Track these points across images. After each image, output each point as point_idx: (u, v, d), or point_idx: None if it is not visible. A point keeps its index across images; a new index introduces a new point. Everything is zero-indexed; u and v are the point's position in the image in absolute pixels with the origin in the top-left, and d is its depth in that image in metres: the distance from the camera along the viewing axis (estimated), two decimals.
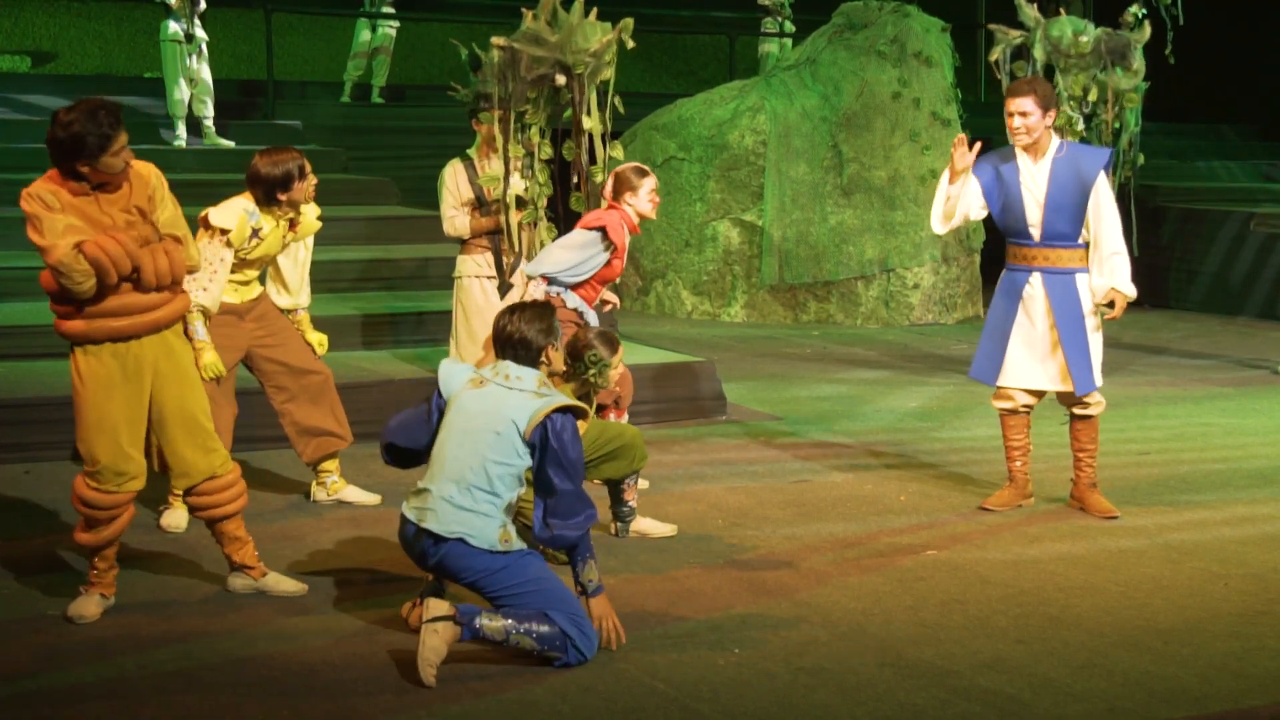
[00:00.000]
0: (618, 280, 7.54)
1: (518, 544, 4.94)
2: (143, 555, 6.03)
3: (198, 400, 5.45)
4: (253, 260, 6.47)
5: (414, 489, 5.05)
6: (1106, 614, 5.50)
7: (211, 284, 6.24)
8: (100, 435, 5.22)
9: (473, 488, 4.89)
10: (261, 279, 6.77)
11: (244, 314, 6.57)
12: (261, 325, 6.62)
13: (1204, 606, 5.61)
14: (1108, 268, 6.69)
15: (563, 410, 4.92)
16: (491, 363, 5.14)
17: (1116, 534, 6.58)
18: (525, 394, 4.95)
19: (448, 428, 5.01)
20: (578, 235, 6.94)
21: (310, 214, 6.75)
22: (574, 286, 6.92)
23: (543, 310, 5.14)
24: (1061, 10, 10.19)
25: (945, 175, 6.90)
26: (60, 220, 5.02)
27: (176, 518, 6.42)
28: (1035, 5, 10.11)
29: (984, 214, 6.96)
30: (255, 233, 6.38)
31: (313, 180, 6.55)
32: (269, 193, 6.38)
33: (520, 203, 7.62)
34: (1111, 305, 6.74)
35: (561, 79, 7.36)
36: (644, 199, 6.97)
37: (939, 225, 6.98)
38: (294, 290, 6.95)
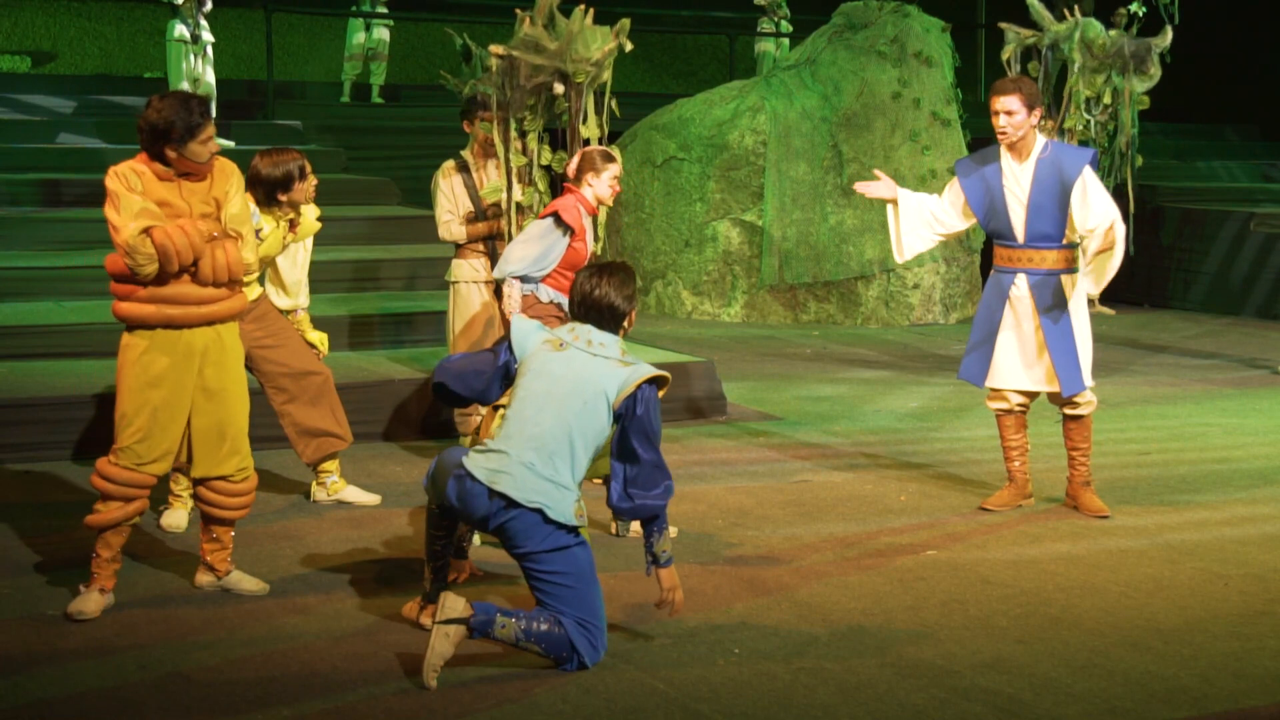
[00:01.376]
0: None
1: (585, 520, 4.92)
2: (143, 555, 6.03)
3: (239, 398, 5.50)
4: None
5: (481, 446, 4.95)
6: (1107, 614, 5.50)
7: None
8: (132, 416, 5.29)
9: (555, 457, 4.84)
10: (261, 280, 6.77)
11: (244, 315, 6.57)
12: (261, 326, 6.62)
13: (1204, 607, 5.61)
14: (1089, 255, 6.69)
15: (650, 380, 4.92)
16: (569, 324, 5.10)
17: (1117, 534, 6.58)
18: (612, 362, 4.93)
19: (528, 390, 4.94)
20: (533, 227, 6.91)
21: (310, 215, 6.75)
22: (545, 279, 6.92)
23: (627, 276, 5.10)
24: (1068, 12, 10.20)
25: (889, 210, 6.97)
26: (136, 202, 5.15)
27: (177, 518, 6.43)
28: (1072, 7, 10.13)
29: (968, 224, 6.96)
30: (255, 233, 6.39)
31: (313, 181, 6.56)
32: (270, 193, 6.39)
33: (520, 209, 7.60)
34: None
35: (560, 87, 7.31)
36: (604, 183, 6.91)
37: (897, 254, 7.04)
38: (293, 291, 6.95)
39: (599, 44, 7.29)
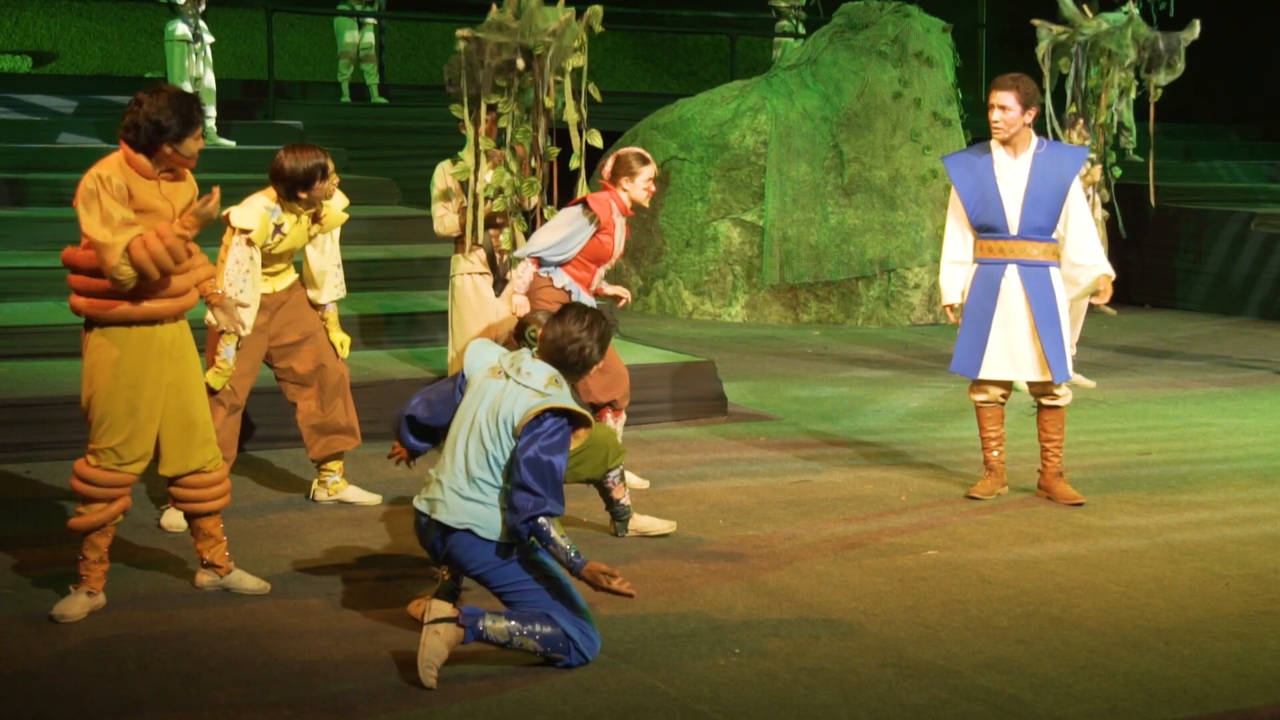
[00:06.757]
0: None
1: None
2: (143, 555, 6.03)
3: (198, 391, 5.48)
4: (279, 254, 6.50)
5: (426, 480, 5.08)
6: (1107, 614, 5.50)
7: (244, 292, 6.23)
8: (114, 418, 5.25)
9: (478, 479, 4.91)
10: (297, 266, 6.78)
11: (273, 308, 6.57)
12: (288, 315, 6.62)
13: (1205, 607, 5.61)
14: (1085, 256, 6.95)
15: (557, 412, 4.88)
16: (517, 351, 5.13)
17: (1117, 534, 6.58)
18: (529, 391, 4.95)
19: (460, 417, 5.04)
20: (563, 214, 7.04)
21: (336, 206, 6.73)
22: (563, 264, 6.96)
23: (592, 321, 5.06)
24: (1087, 9, 10.17)
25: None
26: (117, 212, 5.08)
27: (177, 517, 6.41)
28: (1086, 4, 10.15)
29: None
30: (278, 229, 6.41)
31: (335, 180, 6.55)
32: (290, 190, 6.38)
33: (497, 192, 7.65)
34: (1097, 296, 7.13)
35: (522, 63, 7.42)
36: (640, 186, 7.00)
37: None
38: (319, 283, 6.87)
39: (557, 17, 7.44)
